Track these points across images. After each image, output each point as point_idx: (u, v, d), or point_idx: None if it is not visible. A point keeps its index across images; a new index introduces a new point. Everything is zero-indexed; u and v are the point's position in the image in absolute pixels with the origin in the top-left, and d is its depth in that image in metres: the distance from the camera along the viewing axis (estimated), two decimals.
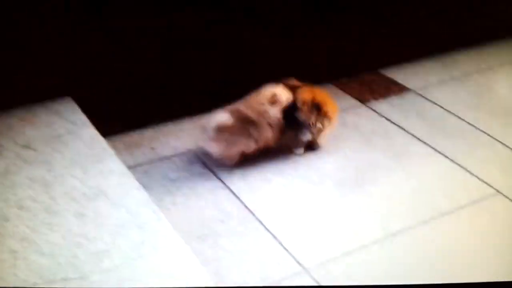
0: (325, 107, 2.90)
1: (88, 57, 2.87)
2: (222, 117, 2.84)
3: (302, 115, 2.88)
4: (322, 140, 3.02)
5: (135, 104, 3.07)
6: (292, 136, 2.97)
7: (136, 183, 2.30)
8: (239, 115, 2.84)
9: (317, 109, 2.88)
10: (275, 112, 2.86)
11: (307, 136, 2.96)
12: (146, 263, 1.95)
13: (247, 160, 2.90)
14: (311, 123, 2.89)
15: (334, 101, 2.99)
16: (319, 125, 2.90)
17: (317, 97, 2.90)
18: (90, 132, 2.58)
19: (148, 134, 3.11)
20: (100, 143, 2.52)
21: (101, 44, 2.87)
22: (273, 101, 2.87)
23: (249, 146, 2.87)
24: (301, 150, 3.01)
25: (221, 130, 2.83)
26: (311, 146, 3.02)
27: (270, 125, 2.86)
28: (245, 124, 2.84)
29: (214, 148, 2.87)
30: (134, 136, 3.08)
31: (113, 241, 2.04)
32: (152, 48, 3.03)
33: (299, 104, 2.87)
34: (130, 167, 2.82)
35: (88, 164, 2.40)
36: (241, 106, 2.88)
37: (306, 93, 2.90)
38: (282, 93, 2.89)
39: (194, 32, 3.11)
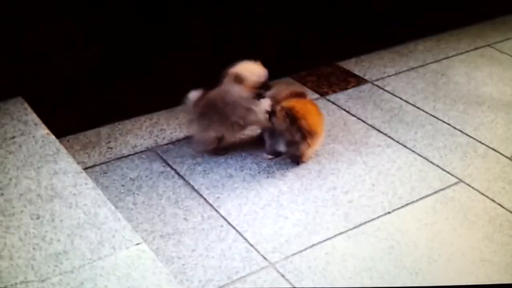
0: (302, 121, 2.74)
1: (39, 56, 2.80)
2: (193, 96, 2.85)
3: (275, 120, 2.78)
4: (306, 156, 2.90)
5: (90, 102, 3.01)
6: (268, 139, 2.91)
7: (91, 183, 2.26)
8: (209, 100, 2.83)
9: (292, 120, 2.73)
10: (238, 91, 2.78)
11: (280, 146, 2.86)
12: (105, 264, 1.92)
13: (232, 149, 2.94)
14: (284, 133, 2.78)
15: (322, 118, 2.90)
16: (296, 137, 2.76)
17: (297, 108, 2.75)
18: (42, 132, 2.53)
19: (104, 132, 3.05)
20: (53, 144, 2.47)
21: (51, 42, 2.80)
22: (238, 80, 2.78)
23: (221, 131, 2.85)
24: (268, 156, 2.93)
25: (200, 114, 2.83)
26: (293, 159, 2.91)
27: (235, 105, 2.80)
28: (213, 109, 2.81)
29: (192, 131, 2.89)
30: (91, 135, 3.02)
31: (71, 243, 2.01)
32: (104, 44, 2.97)
33: (276, 109, 2.77)
34: (88, 168, 2.79)
35: (42, 165, 2.35)
36: (213, 90, 2.85)
37: (289, 102, 2.79)
38: (253, 70, 2.81)
39: (149, 30, 3.06)
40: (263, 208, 2.62)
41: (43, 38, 2.77)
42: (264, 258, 2.37)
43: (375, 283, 2.28)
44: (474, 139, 3.12)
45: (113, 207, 2.15)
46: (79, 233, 2.04)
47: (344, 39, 3.72)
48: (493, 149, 3.05)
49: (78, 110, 2.99)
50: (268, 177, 2.81)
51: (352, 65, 3.76)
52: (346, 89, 3.53)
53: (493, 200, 2.71)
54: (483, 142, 3.10)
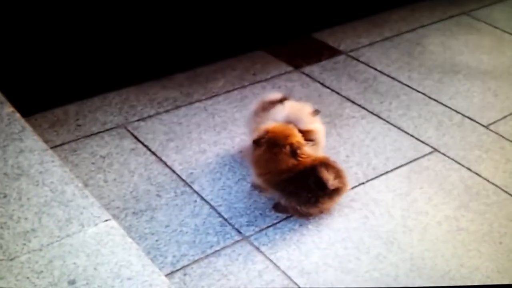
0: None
1: (3, 33, 2.74)
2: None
3: None
4: None
5: (56, 79, 2.97)
6: None
7: (57, 161, 2.23)
8: None
9: None
10: None
11: None
12: (74, 241, 1.91)
13: None
14: None
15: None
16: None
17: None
18: (8, 111, 2.48)
19: (73, 109, 2.99)
20: (19, 122, 2.42)
21: (14, 18, 2.74)
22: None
23: None
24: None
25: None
26: None
27: None
28: None
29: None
30: (58, 113, 2.96)
31: (39, 221, 1.98)
32: (70, 20, 2.91)
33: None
34: (57, 146, 2.75)
35: (8, 143, 2.31)
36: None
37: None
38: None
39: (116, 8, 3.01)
40: (237, 183, 2.60)
41: (6, 16, 2.71)
42: (239, 231, 2.36)
43: (350, 253, 2.28)
44: (450, 108, 3.11)
45: (80, 185, 2.12)
46: (46, 211, 2.02)
47: (317, 10, 3.68)
48: (469, 118, 3.05)
49: (45, 88, 2.94)
50: (241, 151, 2.78)
51: (326, 36, 3.72)
52: (320, 61, 3.49)
53: (469, 169, 2.71)
54: (458, 111, 3.09)
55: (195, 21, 3.25)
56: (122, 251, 1.87)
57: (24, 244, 1.89)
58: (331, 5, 3.73)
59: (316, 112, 2.56)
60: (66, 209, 2.02)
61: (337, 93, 3.20)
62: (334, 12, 3.77)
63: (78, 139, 2.80)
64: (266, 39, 3.56)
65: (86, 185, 2.51)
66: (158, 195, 2.51)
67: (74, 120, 2.92)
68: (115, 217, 2.35)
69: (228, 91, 3.18)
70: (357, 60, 3.52)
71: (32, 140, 2.31)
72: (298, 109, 2.54)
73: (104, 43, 3.02)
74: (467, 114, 3.07)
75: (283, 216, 2.43)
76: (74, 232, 1.93)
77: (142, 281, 1.79)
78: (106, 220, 1.98)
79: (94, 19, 2.95)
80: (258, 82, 3.24)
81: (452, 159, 2.77)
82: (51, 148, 2.64)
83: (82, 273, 1.80)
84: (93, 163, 2.66)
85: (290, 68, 3.40)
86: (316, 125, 2.55)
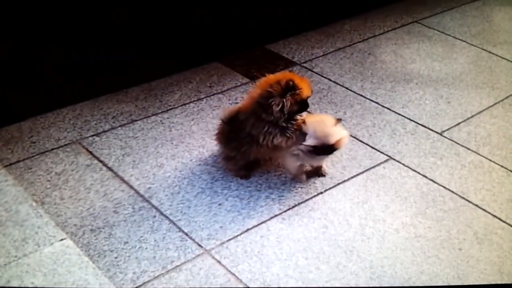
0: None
1: None
2: None
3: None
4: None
5: (8, 96, 2.91)
6: None
7: (11, 180, 2.19)
8: None
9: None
10: None
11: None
12: (30, 261, 1.89)
13: None
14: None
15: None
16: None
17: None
18: None
19: (27, 126, 2.95)
20: None
21: None
22: None
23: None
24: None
25: None
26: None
27: None
28: None
29: None
30: (12, 130, 2.92)
31: None
32: (20, 35, 2.86)
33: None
34: (12, 164, 2.70)
35: None
36: None
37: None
38: None
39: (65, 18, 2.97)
40: (196, 196, 2.59)
41: None
42: (199, 245, 2.35)
43: (310, 263, 2.29)
44: (403, 116, 3.16)
45: (34, 204, 2.10)
46: (2, 231, 2.00)
47: (271, 21, 3.70)
48: (422, 125, 3.10)
49: None
50: (200, 164, 2.77)
51: (280, 48, 3.75)
52: (275, 72, 3.49)
53: (424, 176, 2.75)
54: (412, 119, 3.14)
55: (149, 34, 3.23)
56: (78, 270, 1.87)
57: None
58: (285, 16, 3.75)
59: (339, 120, 2.57)
60: (22, 228, 1.99)
61: None
62: (288, 23, 3.80)
63: (33, 156, 2.76)
64: (221, 51, 3.56)
65: (42, 202, 2.47)
66: (115, 212, 2.48)
67: (29, 137, 2.87)
68: (73, 234, 2.32)
69: (185, 104, 3.17)
70: (311, 70, 3.54)
71: None
72: (322, 124, 2.55)
73: (56, 58, 2.98)
74: (420, 122, 3.12)
75: (244, 228, 2.43)
76: (31, 251, 1.92)
77: None
78: (62, 239, 1.97)
79: (45, 33, 2.92)
80: (214, 94, 3.24)
81: (408, 166, 2.81)
82: (6, 166, 2.62)
83: None
84: (48, 181, 2.62)
85: (245, 80, 3.41)
86: (343, 133, 2.57)
